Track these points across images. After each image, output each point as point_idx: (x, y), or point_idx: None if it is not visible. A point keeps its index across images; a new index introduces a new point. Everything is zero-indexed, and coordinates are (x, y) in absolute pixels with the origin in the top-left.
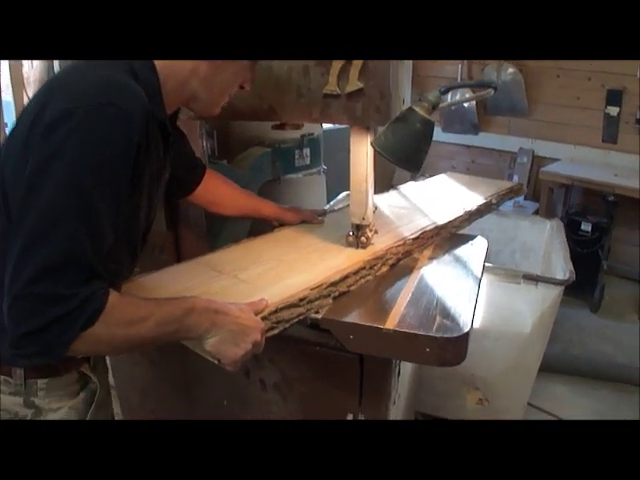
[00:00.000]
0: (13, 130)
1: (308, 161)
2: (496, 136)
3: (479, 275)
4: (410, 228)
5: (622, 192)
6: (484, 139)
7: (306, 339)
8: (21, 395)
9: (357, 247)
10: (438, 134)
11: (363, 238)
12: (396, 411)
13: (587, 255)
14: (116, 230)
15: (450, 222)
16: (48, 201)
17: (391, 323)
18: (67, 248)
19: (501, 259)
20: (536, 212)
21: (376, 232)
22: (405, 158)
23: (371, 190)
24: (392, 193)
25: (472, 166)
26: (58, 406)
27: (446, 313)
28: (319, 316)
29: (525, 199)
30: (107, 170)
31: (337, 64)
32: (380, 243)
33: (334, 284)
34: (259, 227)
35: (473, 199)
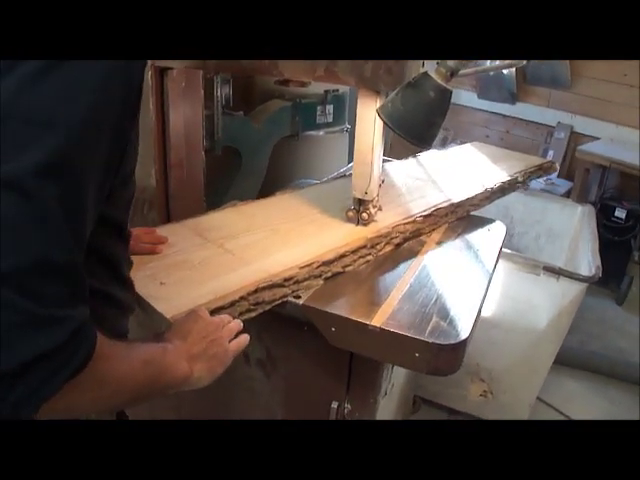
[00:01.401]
0: None
1: (331, 119)
2: (534, 107)
3: (491, 269)
4: (421, 204)
5: None
6: (521, 109)
7: (295, 317)
8: None
9: (357, 224)
10: (473, 100)
11: (365, 214)
12: (388, 402)
13: (618, 243)
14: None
15: (468, 199)
16: (15, 162)
17: (379, 319)
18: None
19: (524, 242)
20: (568, 192)
21: (380, 209)
22: (414, 131)
23: (377, 162)
24: (410, 161)
25: (506, 136)
26: None
27: (445, 313)
28: (300, 302)
29: (558, 177)
30: (97, 124)
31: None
32: (385, 219)
33: (327, 263)
34: (272, 183)
35: (497, 175)
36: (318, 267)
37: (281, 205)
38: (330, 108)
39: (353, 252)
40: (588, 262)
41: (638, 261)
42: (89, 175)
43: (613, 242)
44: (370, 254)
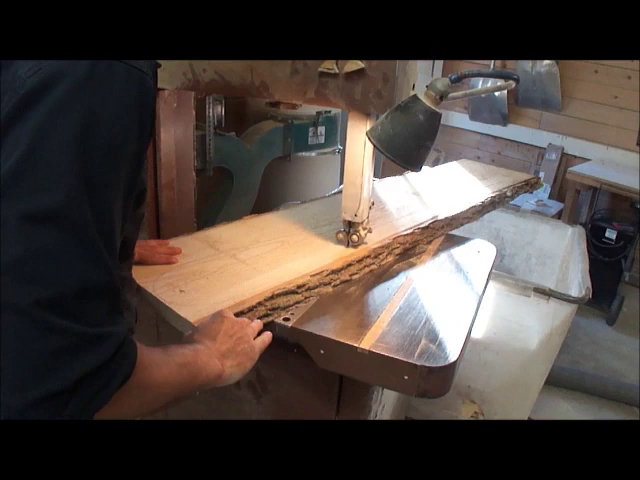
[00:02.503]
0: None
1: (322, 140)
2: (525, 129)
3: (481, 291)
4: (418, 218)
5: None
6: (513, 131)
7: (284, 339)
8: None
9: (347, 246)
10: (465, 122)
11: (354, 236)
12: None
13: (609, 264)
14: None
15: (461, 212)
16: (49, 196)
17: (368, 342)
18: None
19: (515, 263)
20: (559, 213)
21: (370, 231)
22: (403, 154)
23: (367, 184)
24: (398, 179)
25: (498, 158)
26: None
27: (434, 336)
28: (289, 324)
29: (549, 198)
30: (119, 152)
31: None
32: (382, 233)
33: (336, 271)
34: (264, 204)
35: (486, 190)
36: (327, 275)
37: (287, 219)
38: (322, 129)
39: (358, 262)
40: (578, 283)
41: (629, 281)
42: (115, 198)
43: (604, 263)
44: (374, 263)
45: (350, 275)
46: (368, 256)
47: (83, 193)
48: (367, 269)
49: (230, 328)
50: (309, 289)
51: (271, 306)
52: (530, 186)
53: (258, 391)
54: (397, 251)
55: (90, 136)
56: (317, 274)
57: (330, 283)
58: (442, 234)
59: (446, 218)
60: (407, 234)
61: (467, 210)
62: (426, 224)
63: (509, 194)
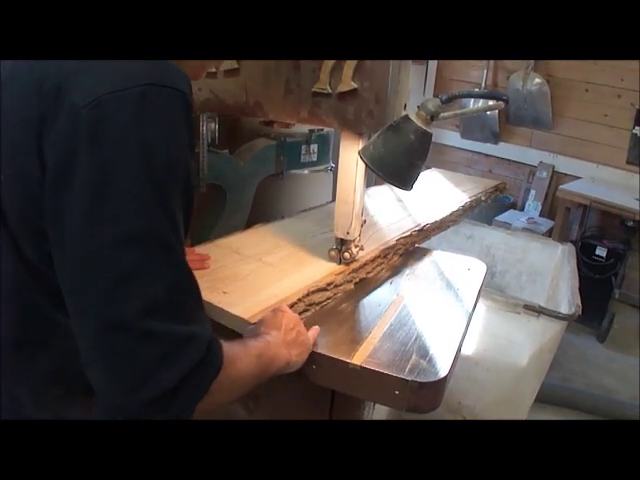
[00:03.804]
0: None
1: (315, 157)
2: (516, 147)
3: (471, 308)
4: (408, 223)
5: None
6: (504, 149)
7: None
8: None
9: (339, 263)
10: (456, 140)
11: (346, 254)
12: None
13: (599, 281)
14: None
15: (449, 215)
16: (131, 220)
17: (360, 357)
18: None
19: (506, 280)
20: (550, 231)
21: (362, 248)
22: (395, 173)
23: (359, 202)
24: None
25: (489, 176)
26: None
27: (424, 352)
28: None
29: (540, 216)
30: (178, 168)
31: (330, 60)
32: (384, 237)
33: (355, 270)
34: (257, 221)
35: (463, 195)
36: (349, 273)
37: (299, 225)
38: (314, 147)
39: (372, 261)
40: (568, 300)
41: (619, 299)
42: (178, 209)
43: (594, 280)
44: (383, 263)
45: (366, 273)
46: (379, 256)
47: (157, 210)
48: (379, 267)
49: (290, 321)
50: (336, 286)
51: (308, 302)
52: (499, 191)
53: (250, 407)
54: (400, 251)
55: (151, 160)
56: (341, 273)
57: (352, 280)
58: (435, 234)
59: (435, 222)
60: (406, 236)
61: (452, 214)
62: (421, 227)
63: (483, 198)
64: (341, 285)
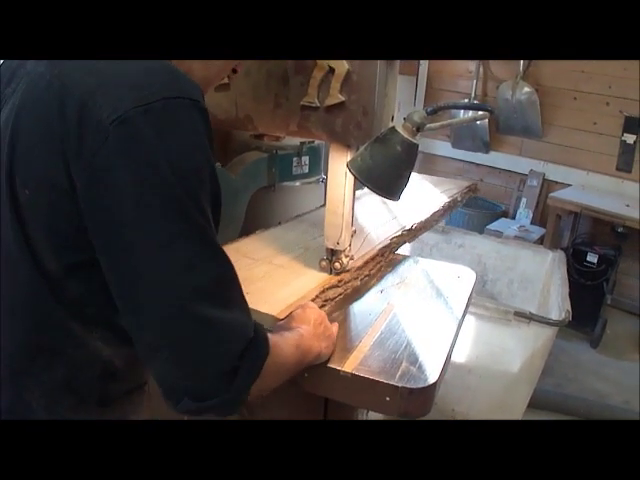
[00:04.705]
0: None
1: (306, 169)
2: (507, 156)
3: (460, 315)
4: (397, 224)
5: (632, 224)
6: (494, 158)
7: None
8: None
9: (330, 273)
10: (447, 150)
11: (337, 264)
12: None
13: (591, 287)
14: None
15: (432, 215)
16: (174, 222)
17: (351, 365)
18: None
19: (498, 288)
20: (541, 238)
21: (352, 258)
22: (382, 184)
23: (349, 213)
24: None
25: (480, 185)
26: None
27: (414, 358)
28: None
29: (532, 224)
30: (203, 171)
31: (318, 74)
32: (379, 237)
33: (360, 268)
34: (250, 233)
35: (441, 196)
36: (355, 271)
37: (300, 228)
38: (306, 159)
39: (372, 259)
40: (559, 306)
41: (611, 304)
42: (208, 204)
43: (586, 286)
44: (382, 260)
45: (369, 270)
46: (377, 254)
47: (193, 210)
48: (379, 265)
49: (318, 316)
50: (345, 283)
51: (324, 298)
52: (472, 191)
53: (245, 415)
54: (395, 249)
55: (180, 167)
56: (348, 270)
57: (357, 278)
58: (421, 233)
59: (420, 222)
60: (398, 235)
61: (434, 213)
62: (409, 227)
63: (459, 199)
64: (349, 282)
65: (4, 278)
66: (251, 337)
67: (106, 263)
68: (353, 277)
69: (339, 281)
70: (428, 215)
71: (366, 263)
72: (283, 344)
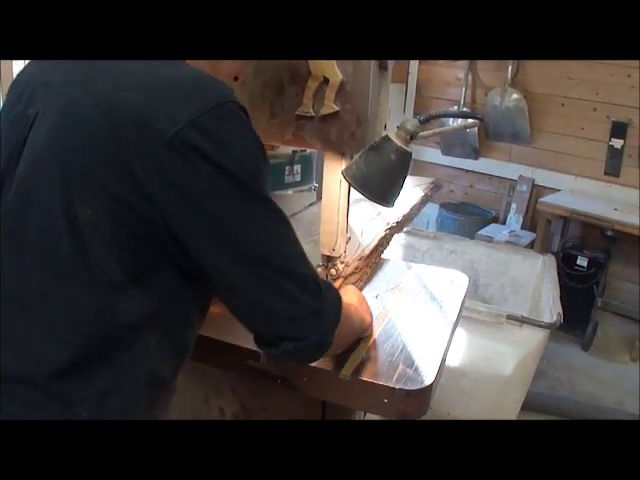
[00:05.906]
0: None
1: (299, 178)
2: (496, 162)
3: (454, 319)
4: (383, 219)
5: (621, 228)
6: (484, 164)
7: (268, 370)
8: None
9: (326, 279)
10: (437, 156)
11: (333, 270)
12: None
13: (581, 291)
14: None
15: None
16: (258, 206)
17: (349, 368)
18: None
19: (490, 292)
20: (532, 243)
21: (347, 265)
22: (377, 191)
23: (344, 220)
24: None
25: (470, 191)
26: None
27: (410, 361)
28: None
29: (522, 229)
30: (261, 165)
31: (312, 84)
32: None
33: (367, 257)
34: None
35: (415, 191)
36: (367, 259)
37: (307, 219)
38: (298, 168)
39: (375, 250)
40: (550, 309)
41: (601, 307)
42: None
43: (576, 290)
44: (384, 249)
45: (375, 259)
46: (379, 245)
47: (265, 195)
48: (379, 256)
49: (360, 296)
50: (360, 269)
51: (348, 283)
52: (437, 187)
53: (242, 418)
54: (390, 240)
55: (244, 165)
56: (360, 259)
57: (369, 265)
58: (406, 225)
59: (404, 215)
60: (390, 227)
61: (413, 207)
62: (395, 221)
63: (429, 194)
64: (363, 269)
65: (52, 292)
66: (329, 287)
67: (209, 255)
68: (366, 264)
69: (355, 268)
70: (408, 209)
71: (371, 254)
72: (347, 304)
